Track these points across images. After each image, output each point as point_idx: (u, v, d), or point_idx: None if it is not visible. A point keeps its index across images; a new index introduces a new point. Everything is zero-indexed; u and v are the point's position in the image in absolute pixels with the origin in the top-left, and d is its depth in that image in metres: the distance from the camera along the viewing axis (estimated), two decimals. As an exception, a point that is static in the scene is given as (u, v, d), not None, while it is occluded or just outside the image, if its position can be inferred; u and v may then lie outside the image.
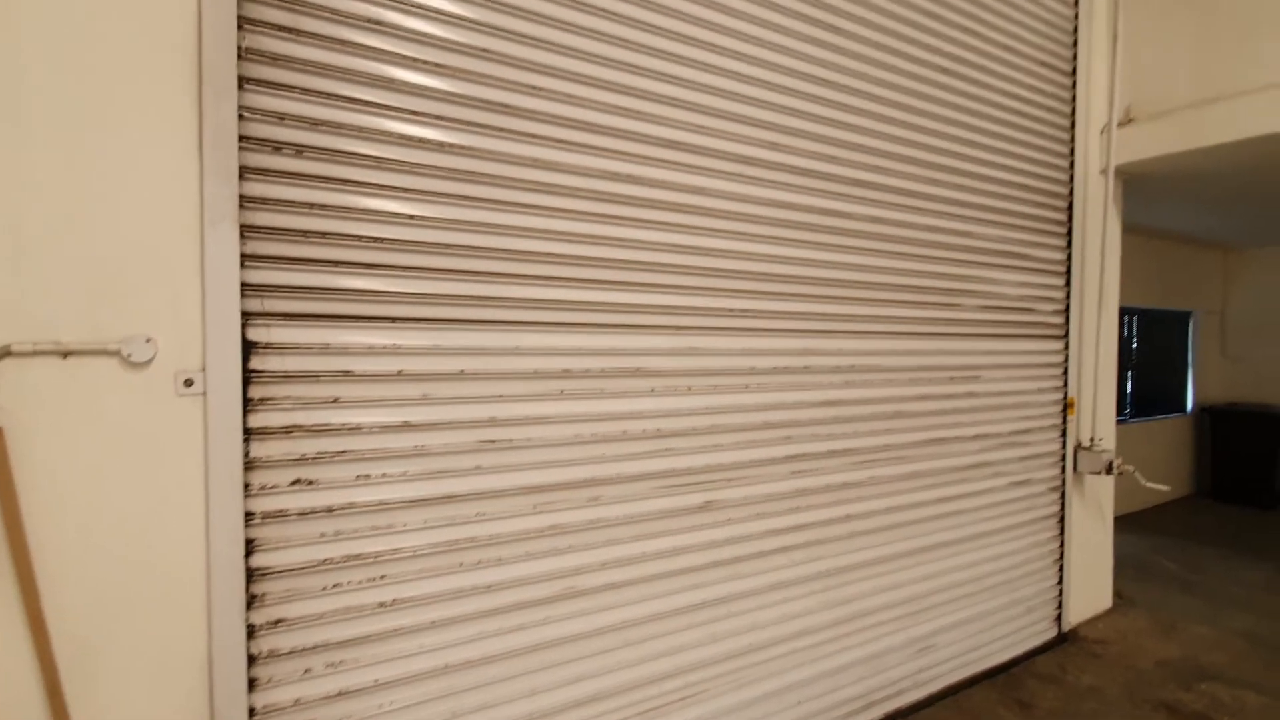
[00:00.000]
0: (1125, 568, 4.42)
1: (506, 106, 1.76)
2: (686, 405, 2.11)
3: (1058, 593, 3.37)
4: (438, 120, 1.67)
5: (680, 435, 2.11)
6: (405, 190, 1.64)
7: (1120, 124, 3.43)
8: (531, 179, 1.80)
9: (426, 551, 1.70)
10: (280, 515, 1.54)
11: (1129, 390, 6.61)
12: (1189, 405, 7.09)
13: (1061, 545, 3.36)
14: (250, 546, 1.49)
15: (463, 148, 1.71)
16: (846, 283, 2.50)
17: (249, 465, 1.50)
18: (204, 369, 1.43)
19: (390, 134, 1.62)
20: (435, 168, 1.68)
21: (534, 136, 1.80)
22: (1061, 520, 3.36)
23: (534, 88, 1.79)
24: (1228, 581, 4.21)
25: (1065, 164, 3.36)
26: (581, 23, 1.85)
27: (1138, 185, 3.88)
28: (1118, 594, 3.87)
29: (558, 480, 1.88)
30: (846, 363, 2.51)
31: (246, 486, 1.49)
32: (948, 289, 2.87)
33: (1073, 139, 3.37)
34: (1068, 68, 3.35)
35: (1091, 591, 3.58)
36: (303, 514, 1.56)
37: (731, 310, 2.18)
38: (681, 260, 2.07)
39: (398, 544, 1.67)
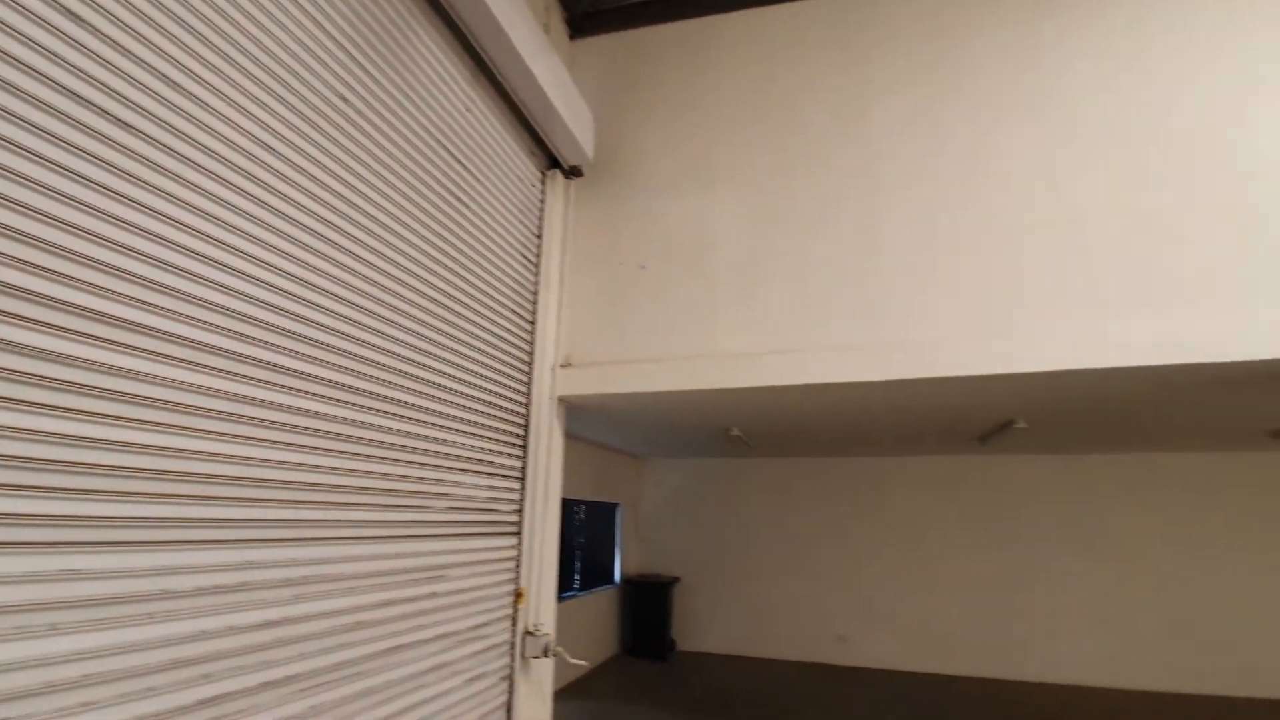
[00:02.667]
0: (565, 739, 5.04)
1: None
2: (42, 652, 1.56)
3: (503, 786, 3.55)
4: None
5: (25, 697, 1.52)
6: None
7: (562, 366, 4.56)
8: None
9: None
10: None
11: (578, 567, 8.03)
12: (617, 578, 9.03)
13: (508, 735, 3.62)
14: None
15: None
16: (312, 485, 2.41)
17: None
18: None
19: None
20: None
21: None
22: (509, 708, 3.66)
23: None
24: (632, 734, 5.22)
25: (525, 389, 4.20)
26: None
27: (579, 410, 5.11)
28: (556, 770, 4.32)
29: None
30: (299, 574, 2.33)
31: None
32: (422, 491, 3.06)
33: (531, 371, 4.27)
34: (530, 317, 4.35)
35: (533, 775, 3.90)
36: None
37: (140, 519, 1.80)
38: (77, 455, 1.65)
39: None
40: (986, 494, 8.29)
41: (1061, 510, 8.01)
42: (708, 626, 8.94)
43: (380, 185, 2.93)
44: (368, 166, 2.87)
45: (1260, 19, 3.88)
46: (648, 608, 8.60)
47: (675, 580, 8.93)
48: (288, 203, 2.37)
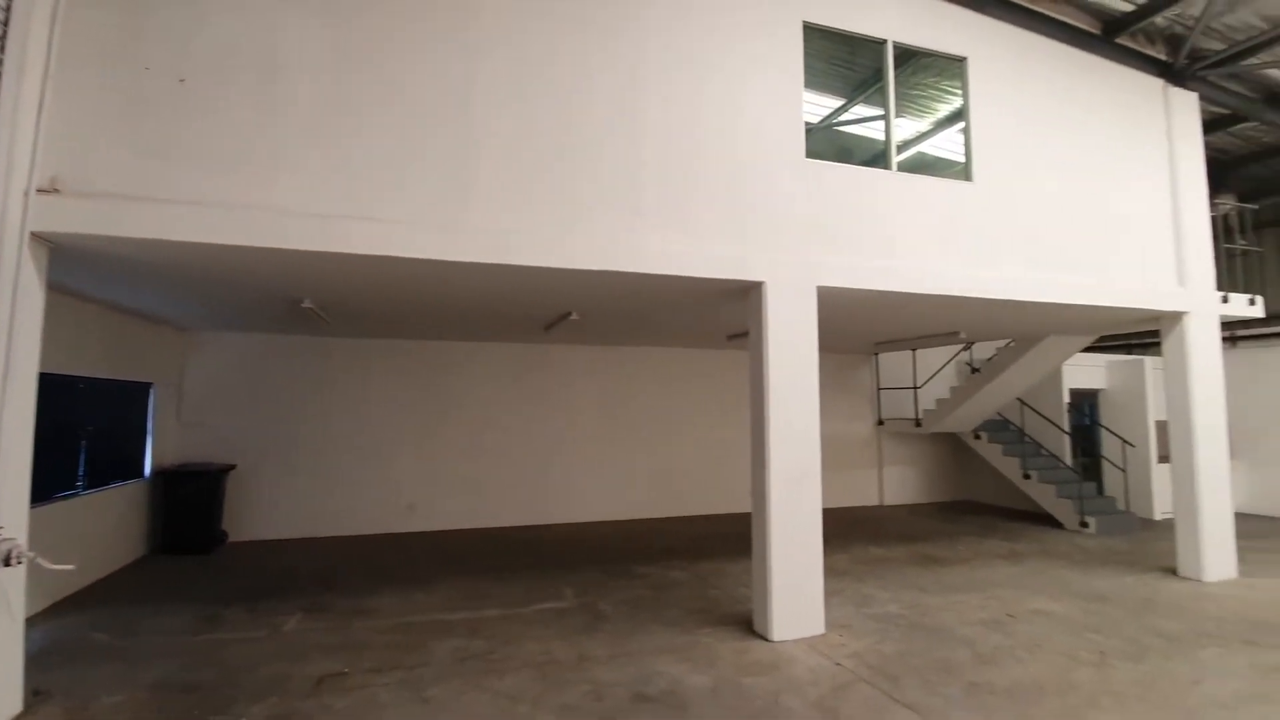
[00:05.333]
0: (52, 657, 4.12)
1: None
2: None
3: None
4: None
5: None
6: None
7: (44, 190, 3.34)
8: None
9: None
10: None
11: (84, 459, 6.37)
12: (147, 470, 7.50)
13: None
14: None
15: None
16: None
17: None
18: None
19: None
20: None
21: None
22: (-62, 635, 2.79)
23: None
24: (155, 635, 4.58)
25: (-33, 216, 2.95)
26: None
27: (78, 256, 3.83)
28: (35, 692, 3.53)
29: None
30: None
31: None
32: None
33: (-20, 191, 3.01)
34: (-22, 111, 3.01)
35: (-11, 707, 3.11)
36: None
37: None
38: None
39: None
40: (542, 375, 9.64)
41: (593, 389, 9.91)
42: (271, 513, 8.24)
43: None
44: None
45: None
46: (190, 500, 7.42)
47: (229, 468, 7.89)
48: None
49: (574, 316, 6.40)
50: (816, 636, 4.58)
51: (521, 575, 6.37)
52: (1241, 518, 9.67)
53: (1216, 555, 6.26)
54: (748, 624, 4.83)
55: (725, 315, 6.39)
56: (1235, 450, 10.17)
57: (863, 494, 11.19)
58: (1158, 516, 9.40)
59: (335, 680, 3.84)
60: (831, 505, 10.70)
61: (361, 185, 3.96)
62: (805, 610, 4.62)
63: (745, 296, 5.07)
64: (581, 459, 9.83)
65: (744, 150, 4.86)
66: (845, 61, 6.24)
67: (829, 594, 5.50)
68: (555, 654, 4.26)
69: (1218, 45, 6.51)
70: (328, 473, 8.59)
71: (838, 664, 4.09)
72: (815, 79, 6.14)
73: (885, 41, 5.60)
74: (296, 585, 6.01)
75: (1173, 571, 6.48)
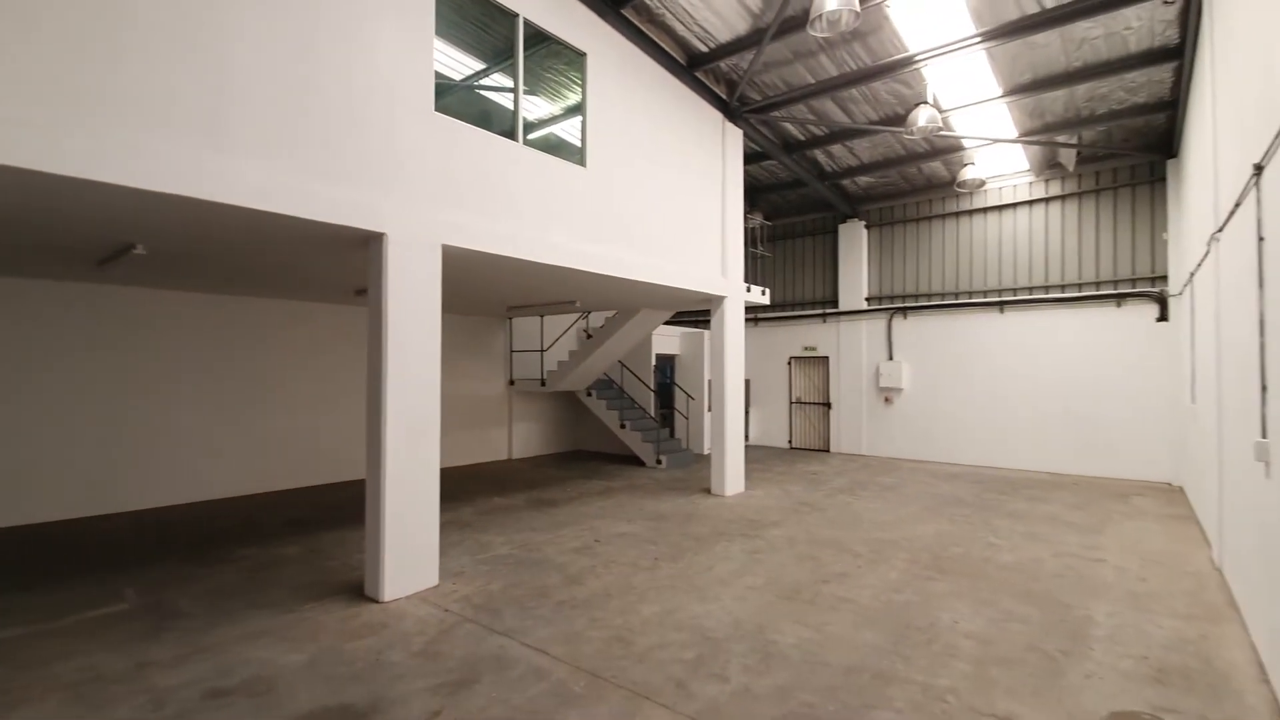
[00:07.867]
0: None
1: None
2: None
3: None
4: None
5: None
6: None
7: None
8: None
9: None
10: None
11: None
12: None
13: None
14: None
15: None
16: None
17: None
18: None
19: None
20: None
21: None
22: None
23: None
24: None
25: None
26: None
27: None
28: None
29: None
30: None
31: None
32: None
33: None
34: None
35: None
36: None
37: None
38: None
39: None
40: (119, 326, 7.39)
41: (201, 345, 8.06)
42: None
43: None
44: None
45: None
46: None
47: None
48: None
49: (139, 250, 5.07)
50: (430, 589, 4.75)
51: (65, 581, 4.92)
52: (751, 448, 13.48)
53: (734, 476, 8.60)
54: (360, 590, 4.70)
55: (350, 268, 5.91)
56: (753, 400, 14.10)
57: (493, 450, 11.81)
58: (706, 451, 12.36)
59: None
60: (464, 462, 11.11)
61: None
62: (419, 565, 4.73)
63: (366, 247, 4.79)
64: (184, 427, 8.02)
65: (363, 89, 4.51)
66: (483, 25, 6.29)
67: (450, 545, 5.73)
68: (101, 669, 3.45)
69: (758, 96, 8.68)
70: None
71: (446, 610, 4.33)
72: (452, 32, 6.05)
73: (517, 16, 5.83)
74: None
75: (708, 491, 8.68)
